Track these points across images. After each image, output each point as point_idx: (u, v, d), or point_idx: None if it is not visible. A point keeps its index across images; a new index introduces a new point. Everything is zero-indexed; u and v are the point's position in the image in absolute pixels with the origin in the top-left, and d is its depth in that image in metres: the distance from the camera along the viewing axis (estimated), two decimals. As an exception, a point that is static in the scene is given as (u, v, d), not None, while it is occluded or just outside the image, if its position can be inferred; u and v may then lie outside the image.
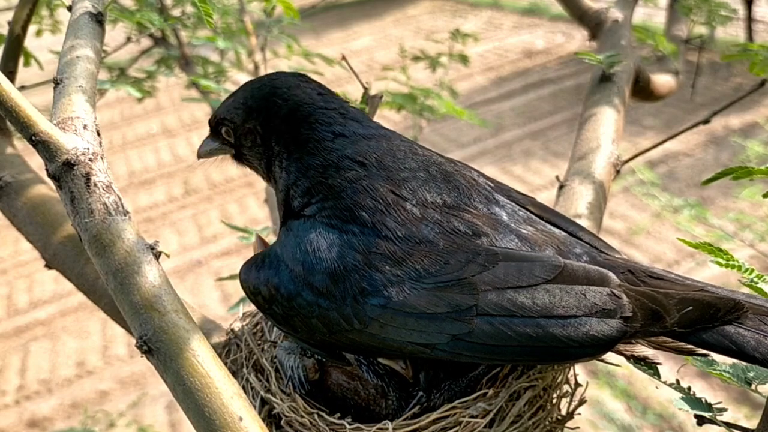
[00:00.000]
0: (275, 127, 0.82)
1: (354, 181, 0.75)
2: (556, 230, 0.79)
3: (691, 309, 0.64)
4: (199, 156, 0.91)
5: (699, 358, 0.68)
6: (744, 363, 0.64)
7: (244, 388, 0.83)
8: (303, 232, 0.75)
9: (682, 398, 0.63)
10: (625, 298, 0.66)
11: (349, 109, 0.83)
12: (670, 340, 0.69)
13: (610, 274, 0.68)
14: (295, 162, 0.80)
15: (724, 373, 0.64)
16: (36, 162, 0.84)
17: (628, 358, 0.71)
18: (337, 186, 0.76)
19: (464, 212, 0.75)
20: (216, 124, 0.88)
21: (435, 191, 0.76)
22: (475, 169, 0.84)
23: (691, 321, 0.64)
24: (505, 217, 0.76)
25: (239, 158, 0.89)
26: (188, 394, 0.61)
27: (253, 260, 0.80)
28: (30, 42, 1.17)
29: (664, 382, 0.68)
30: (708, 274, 3.25)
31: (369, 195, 0.74)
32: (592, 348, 0.65)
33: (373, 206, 0.73)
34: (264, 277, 0.76)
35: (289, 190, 0.80)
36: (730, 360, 0.65)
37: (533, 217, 0.79)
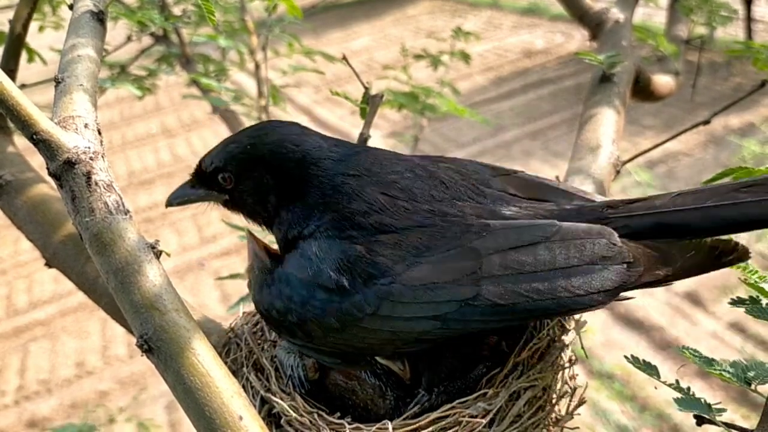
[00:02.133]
0: (286, 170, 0.82)
1: (346, 193, 0.78)
2: (543, 204, 0.80)
3: (694, 252, 0.68)
4: (170, 204, 0.90)
5: (699, 356, 0.68)
6: (744, 361, 0.64)
7: (244, 387, 0.83)
8: (305, 246, 0.78)
9: (681, 398, 0.63)
10: (623, 246, 0.70)
11: (346, 142, 0.86)
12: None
13: (606, 228, 0.71)
14: (297, 203, 0.81)
15: (724, 372, 0.64)
16: (36, 161, 0.84)
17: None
18: (333, 202, 0.79)
19: (454, 201, 0.78)
20: (213, 171, 0.86)
21: (424, 188, 0.79)
22: (458, 161, 0.85)
23: (696, 266, 0.68)
24: (491, 205, 0.79)
25: (233, 204, 0.89)
26: (188, 393, 0.61)
27: (262, 281, 0.82)
28: (31, 40, 1.17)
29: (664, 382, 0.68)
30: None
31: (363, 200, 0.77)
32: (599, 294, 0.68)
33: (368, 209, 0.76)
34: (276, 291, 0.79)
35: (290, 226, 0.82)
36: (729, 359, 0.65)
37: (520, 199, 0.81)
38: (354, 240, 0.75)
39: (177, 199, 0.90)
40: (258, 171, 0.84)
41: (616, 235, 0.71)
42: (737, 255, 0.69)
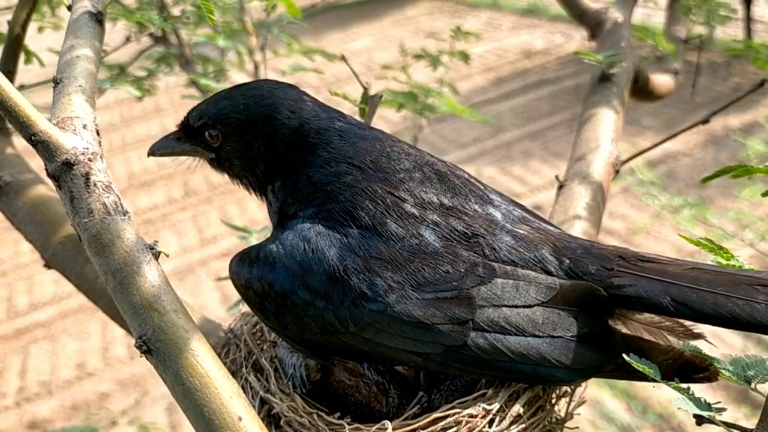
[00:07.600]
0: (279, 139, 0.79)
1: (351, 185, 0.75)
2: (551, 227, 0.79)
3: (671, 361, 0.69)
4: (152, 153, 0.86)
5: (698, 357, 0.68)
6: (744, 359, 0.64)
7: (243, 387, 0.83)
8: (302, 231, 0.75)
9: (682, 398, 0.63)
10: (611, 333, 0.70)
11: (346, 116, 0.83)
12: (666, 321, 0.73)
13: (600, 290, 0.70)
14: (295, 175, 0.78)
15: (724, 371, 0.64)
16: (36, 162, 0.83)
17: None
18: (335, 191, 0.76)
19: (461, 213, 0.75)
20: (200, 126, 0.82)
21: (432, 192, 0.76)
22: (465, 171, 0.84)
23: (667, 374, 0.65)
24: (500, 217, 0.77)
25: (219, 164, 0.85)
26: (187, 394, 0.61)
27: (246, 254, 0.79)
28: (30, 42, 1.17)
29: (664, 382, 0.68)
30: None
31: (368, 197, 0.74)
32: (576, 372, 0.69)
33: (373, 208, 0.73)
34: (258, 273, 0.76)
35: (287, 199, 0.79)
36: (730, 355, 0.65)
37: (527, 216, 0.80)
38: (354, 241, 0.72)
39: (161, 149, 0.86)
40: (249, 134, 0.79)
41: (608, 320, 0.71)
42: (707, 375, 0.69)
